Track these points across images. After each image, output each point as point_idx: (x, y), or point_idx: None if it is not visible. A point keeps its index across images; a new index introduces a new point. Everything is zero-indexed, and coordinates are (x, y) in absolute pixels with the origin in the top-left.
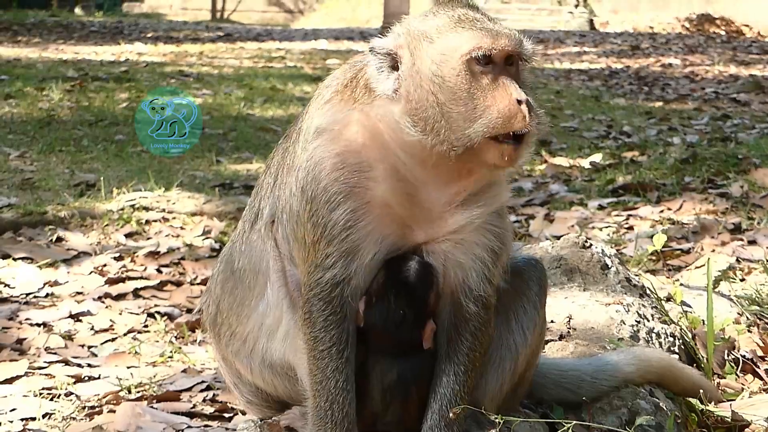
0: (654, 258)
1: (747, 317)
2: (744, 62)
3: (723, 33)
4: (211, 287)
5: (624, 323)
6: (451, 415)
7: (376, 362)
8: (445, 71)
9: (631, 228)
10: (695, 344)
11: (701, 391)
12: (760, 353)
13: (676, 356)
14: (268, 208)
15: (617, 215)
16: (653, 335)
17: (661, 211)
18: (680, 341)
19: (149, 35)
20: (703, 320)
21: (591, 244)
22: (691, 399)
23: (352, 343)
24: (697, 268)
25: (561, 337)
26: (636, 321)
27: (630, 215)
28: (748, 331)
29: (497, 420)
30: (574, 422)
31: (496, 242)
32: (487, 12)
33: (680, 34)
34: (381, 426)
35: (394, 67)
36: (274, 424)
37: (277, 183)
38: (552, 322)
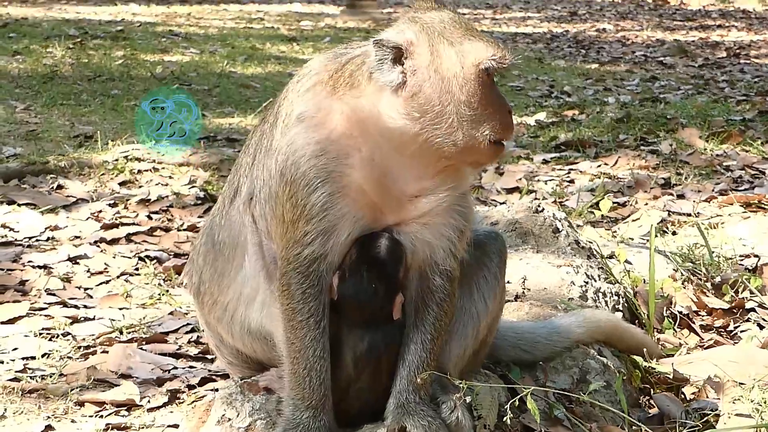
0: (592, 210)
1: (682, 273)
2: (669, 28)
3: (650, 1)
4: (194, 258)
5: (574, 284)
6: (418, 380)
7: (350, 333)
8: (465, 75)
9: (572, 181)
10: (637, 302)
11: (644, 348)
12: (694, 308)
13: (620, 314)
14: (246, 186)
15: (560, 169)
16: (600, 294)
17: (599, 166)
18: (624, 299)
19: None
20: (644, 279)
21: (543, 209)
22: (635, 356)
23: (327, 314)
24: (633, 221)
25: (517, 298)
26: (584, 281)
27: (571, 169)
28: (683, 287)
29: (461, 385)
30: (533, 387)
31: (461, 221)
32: None
33: (613, 2)
34: (354, 391)
35: (397, 60)
36: (254, 383)
37: (255, 163)
38: (509, 282)
